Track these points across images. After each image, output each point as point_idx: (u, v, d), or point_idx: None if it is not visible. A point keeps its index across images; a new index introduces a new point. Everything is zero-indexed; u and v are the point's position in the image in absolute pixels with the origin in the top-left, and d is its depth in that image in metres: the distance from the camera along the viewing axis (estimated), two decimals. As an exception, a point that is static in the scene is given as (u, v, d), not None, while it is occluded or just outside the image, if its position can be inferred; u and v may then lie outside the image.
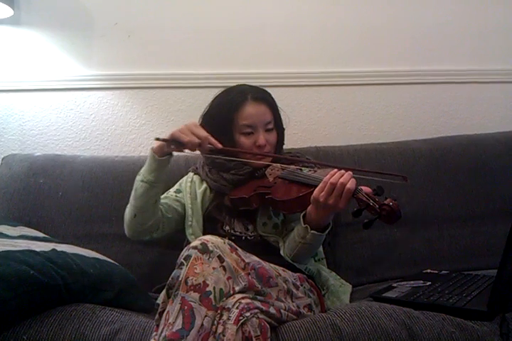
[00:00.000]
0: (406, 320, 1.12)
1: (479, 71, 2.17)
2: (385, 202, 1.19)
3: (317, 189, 1.29)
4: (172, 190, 1.60)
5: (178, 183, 1.63)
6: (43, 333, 1.06)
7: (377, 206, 1.20)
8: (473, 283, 1.35)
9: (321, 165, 1.51)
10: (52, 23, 2.01)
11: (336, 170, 1.31)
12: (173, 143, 1.35)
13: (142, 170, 1.42)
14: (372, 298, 1.32)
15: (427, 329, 1.10)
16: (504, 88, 2.19)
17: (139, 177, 1.42)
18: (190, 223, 1.51)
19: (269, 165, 1.52)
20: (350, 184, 1.25)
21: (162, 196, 1.54)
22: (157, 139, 1.37)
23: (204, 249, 1.07)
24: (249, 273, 1.12)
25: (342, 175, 1.27)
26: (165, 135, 1.36)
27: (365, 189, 1.26)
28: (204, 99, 1.63)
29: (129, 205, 1.47)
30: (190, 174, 1.64)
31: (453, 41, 2.17)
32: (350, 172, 1.28)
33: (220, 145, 1.37)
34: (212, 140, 1.36)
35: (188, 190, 1.56)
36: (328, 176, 1.28)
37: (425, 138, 1.95)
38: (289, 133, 1.70)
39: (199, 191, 1.56)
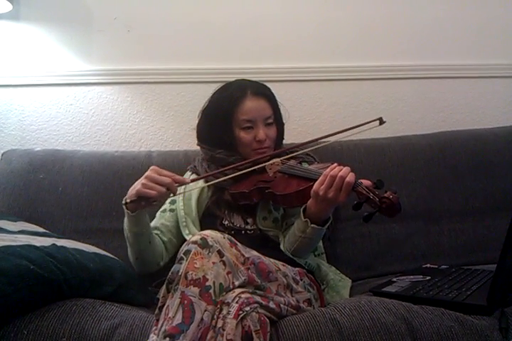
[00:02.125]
0: (405, 314, 1.12)
1: (479, 66, 2.17)
2: (385, 195, 1.20)
3: (317, 182, 1.29)
4: (167, 201, 1.57)
5: None
6: (43, 327, 1.06)
7: (377, 199, 1.20)
8: (473, 278, 1.35)
9: (303, 146, 1.52)
10: (52, 17, 2.00)
11: (335, 164, 1.31)
12: (143, 199, 1.27)
13: (125, 221, 1.37)
14: (372, 293, 1.32)
15: (426, 323, 1.10)
16: (504, 83, 2.19)
17: (125, 226, 1.38)
18: (184, 223, 1.50)
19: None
20: (350, 177, 1.25)
21: (157, 214, 1.54)
22: (125, 204, 1.30)
23: (204, 244, 1.07)
24: (248, 268, 1.12)
25: (341, 169, 1.27)
26: (130, 195, 1.28)
27: (365, 182, 1.26)
28: (204, 94, 1.63)
29: (128, 248, 1.44)
30: (188, 173, 1.64)
31: (453, 36, 2.17)
32: (348, 167, 1.28)
33: (188, 180, 1.31)
34: (179, 179, 1.28)
35: (182, 191, 1.54)
36: (327, 170, 1.29)
37: (425, 133, 1.95)
38: (288, 128, 1.70)
39: (195, 190, 1.55)
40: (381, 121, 1.47)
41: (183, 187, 1.42)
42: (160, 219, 1.52)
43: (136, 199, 1.27)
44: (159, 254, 1.46)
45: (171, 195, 1.29)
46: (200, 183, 1.53)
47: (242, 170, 1.45)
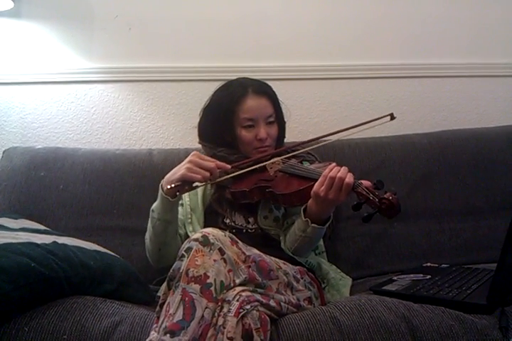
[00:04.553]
0: (406, 313, 1.12)
1: (480, 65, 2.17)
2: (385, 195, 1.20)
3: (317, 183, 1.30)
4: None
5: None
6: (44, 325, 1.07)
7: (376, 200, 1.21)
8: (473, 277, 1.35)
9: (305, 144, 1.53)
10: (53, 15, 2.00)
11: (333, 164, 1.31)
12: (186, 184, 1.31)
13: (155, 208, 1.37)
14: (372, 291, 1.32)
15: (426, 322, 1.10)
16: (505, 82, 2.19)
17: (154, 215, 1.37)
18: (189, 220, 1.50)
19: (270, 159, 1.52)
20: (349, 178, 1.26)
21: None
22: (170, 188, 1.30)
23: (205, 242, 1.08)
24: (249, 266, 1.13)
25: (339, 170, 1.28)
26: (172, 180, 1.30)
27: (365, 183, 1.26)
28: (205, 92, 1.63)
29: (148, 238, 1.44)
30: None
31: (454, 34, 2.17)
32: (345, 167, 1.29)
33: (228, 166, 1.35)
34: (221, 164, 1.33)
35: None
36: (326, 170, 1.29)
37: (426, 132, 1.95)
38: (289, 127, 1.70)
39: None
40: (392, 117, 1.48)
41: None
42: None
43: (180, 184, 1.29)
44: (179, 247, 1.45)
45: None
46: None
47: (243, 168, 1.45)
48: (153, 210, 1.39)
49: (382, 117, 1.48)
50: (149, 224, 1.41)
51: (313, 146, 1.55)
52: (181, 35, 2.05)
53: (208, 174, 1.29)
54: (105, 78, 2.03)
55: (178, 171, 1.30)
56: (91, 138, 2.02)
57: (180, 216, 1.51)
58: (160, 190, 1.35)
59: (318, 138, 1.52)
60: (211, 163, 1.31)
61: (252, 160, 1.45)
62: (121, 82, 2.04)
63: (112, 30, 2.03)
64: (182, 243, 1.44)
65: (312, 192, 1.30)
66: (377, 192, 1.22)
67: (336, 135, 1.49)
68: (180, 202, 1.53)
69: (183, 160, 1.75)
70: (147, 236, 1.45)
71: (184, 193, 1.37)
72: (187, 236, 1.44)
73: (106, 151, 1.86)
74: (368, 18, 2.12)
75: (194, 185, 1.34)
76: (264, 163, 1.47)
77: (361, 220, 1.21)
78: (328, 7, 2.11)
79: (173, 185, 1.30)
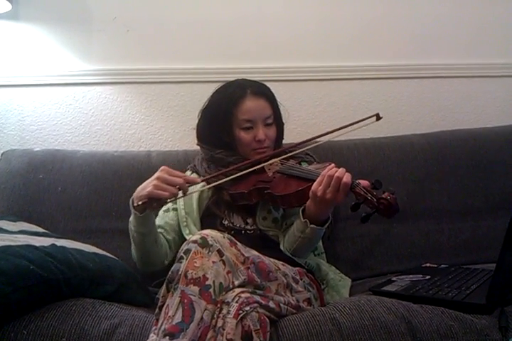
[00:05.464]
0: (405, 313, 1.12)
1: (479, 65, 2.17)
2: (383, 195, 1.20)
3: (315, 183, 1.30)
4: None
5: None
6: (43, 328, 1.06)
7: (374, 200, 1.20)
8: (473, 277, 1.35)
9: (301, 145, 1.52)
10: (51, 17, 2.00)
11: (332, 165, 1.31)
12: (154, 201, 1.26)
13: (131, 221, 1.35)
14: (372, 292, 1.32)
15: (426, 322, 1.10)
16: (504, 82, 2.19)
17: (131, 226, 1.36)
18: (185, 223, 1.49)
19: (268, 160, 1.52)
20: (346, 178, 1.26)
21: (160, 213, 1.53)
22: (137, 205, 1.27)
23: (204, 243, 1.07)
24: (248, 268, 1.12)
25: (337, 170, 1.28)
26: (140, 196, 1.26)
27: (363, 182, 1.26)
28: (203, 94, 1.63)
29: (132, 247, 1.43)
30: (188, 172, 1.63)
31: (452, 35, 2.17)
32: (343, 168, 1.29)
33: (198, 180, 1.32)
34: (190, 178, 1.29)
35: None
36: (325, 170, 1.29)
37: (424, 133, 1.95)
38: (288, 128, 1.70)
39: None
40: (378, 117, 1.48)
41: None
42: (163, 218, 1.52)
43: (147, 201, 1.26)
44: (164, 253, 1.45)
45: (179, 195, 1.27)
46: (200, 185, 1.52)
47: (242, 170, 1.44)
48: (130, 222, 1.37)
49: (368, 118, 1.48)
50: (130, 235, 1.40)
51: (312, 146, 1.54)
52: (179, 36, 2.05)
53: (175, 190, 1.24)
54: (103, 80, 2.02)
55: (146, 187, 1.25)
56: (89, 140, 2.02)
57: (170, 221, 1.51)
58: (130, 205, 1.32)
59: (309, 140, 1.51)
60: (179, 178, 1.25)
61: (251, 162, 1.45)
62: (119, 84, 2.04)
63: (109, 32, 2.03)
64: (170, 248, 1.46)
65: (310, 191, 1.30)
66: (375, 192, 1.22)
67: (327, 136, 1.48)
68: (173, 206, 1.53)
69: (181, 162, 1.77)
70: (132, 246, 1.44)
71: (153, 210, 1.33)
72: (183, 240, 1.43)
73: (104, 153, 1.85)
74: (366, 19, 2.12)
75: (164, 201, 1.28)
76: (263, 165, 1.46)
77: (360, 220, 1.21)
78: (326, 8, 2.11)
79: (140, 203, 1.26)
